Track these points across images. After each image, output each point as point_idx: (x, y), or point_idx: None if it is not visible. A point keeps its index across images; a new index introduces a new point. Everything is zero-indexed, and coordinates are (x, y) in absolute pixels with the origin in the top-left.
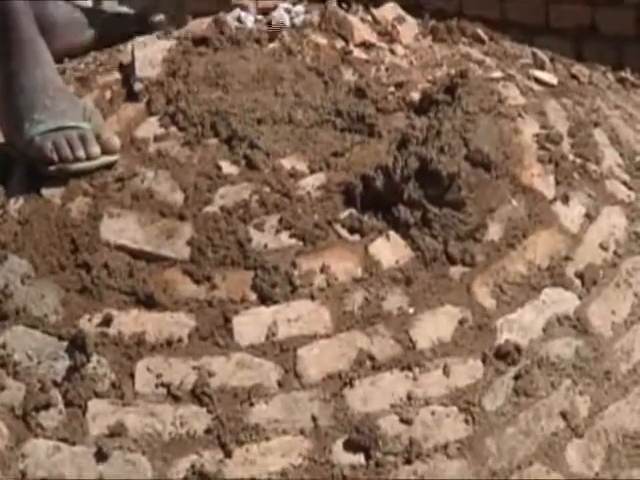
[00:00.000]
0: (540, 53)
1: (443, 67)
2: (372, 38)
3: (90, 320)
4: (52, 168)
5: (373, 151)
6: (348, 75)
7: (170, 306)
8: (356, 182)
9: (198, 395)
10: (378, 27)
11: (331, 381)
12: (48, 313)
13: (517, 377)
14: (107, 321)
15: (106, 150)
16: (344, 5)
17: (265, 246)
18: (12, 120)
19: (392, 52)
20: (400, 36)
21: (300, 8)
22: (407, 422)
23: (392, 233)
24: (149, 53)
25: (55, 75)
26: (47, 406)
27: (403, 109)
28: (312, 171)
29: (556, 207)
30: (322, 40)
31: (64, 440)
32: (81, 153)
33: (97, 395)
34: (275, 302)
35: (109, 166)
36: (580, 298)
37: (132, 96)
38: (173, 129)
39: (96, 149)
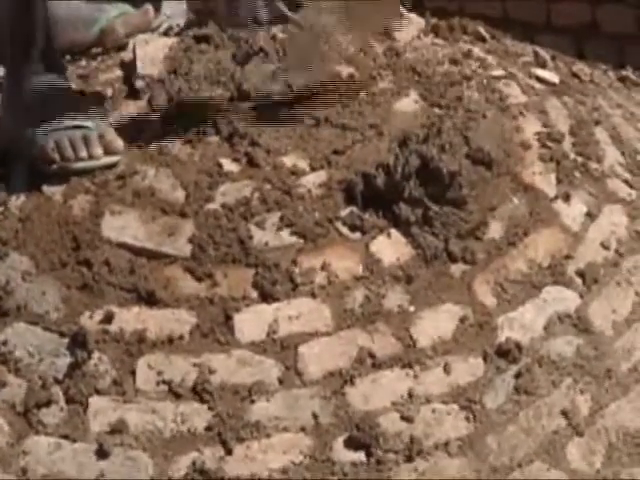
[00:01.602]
0: (541, 51)
1: (444, 65)
2: None
3: (91, 317)
4: (54, 167)
5: (374, 149)
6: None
7: (171, 303)
8: (357, 180)
9: (199, 392)
10: None
11: (332, 379)
12: (49, 310)
13: (518, 375)
14: (108, 318)
15: (109, 151)
16: None
17: (266, 244)
18: (15, 117)
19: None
20: (394, 32)
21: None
22: (408, 420)
23: (393, 231)
24: (151, 51)
25: (60, 74)
26: (48, 403)
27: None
28: (313, 169)
29: (557, 205)
30: None
31: (65, 437)
32: (83, 153)
33: (98, 392)
34: (276, 299)
35: (111, 165)
36: (581, 296)
37: (134, 93)
38: (174, 127)
39: (99, 150)
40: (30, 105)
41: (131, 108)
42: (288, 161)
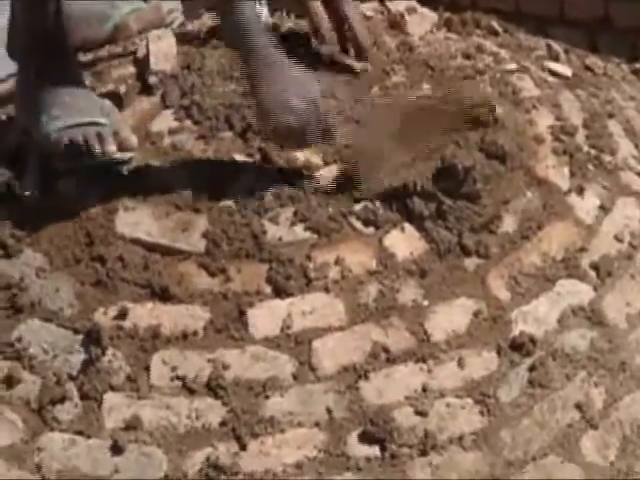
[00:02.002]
0: (554, 45)
1: (457, 59)
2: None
3: (105, 313)
4: (68, 164)
5: None
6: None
7: (185, 299)
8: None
9: (213, 388)
10: (391, 18)
11: (346, 373)
12: (63, 306)
13: (532, 369)
14: (122, 314)
15: (123, 148)
16: None
17: (280, 239)
18: (30, 113)
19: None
20: (408, 27)
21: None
22: (422, 414)
23: (407, 225)
24: (164, 46)
25: (75, 70)
26: (63, 399)
27: None
28: (326, 163)
29: (571, 199)
30: None
31: (80, 433)
32: (97, 150)
33: (112, 388)
34: (290, 295)
35: (126, 162)
36: (595, 290)
37: (147, 89)
38: (188, 122)
39: (112, 147)
40: (44, 102)
41: (144, 104)
42: (301, 156)
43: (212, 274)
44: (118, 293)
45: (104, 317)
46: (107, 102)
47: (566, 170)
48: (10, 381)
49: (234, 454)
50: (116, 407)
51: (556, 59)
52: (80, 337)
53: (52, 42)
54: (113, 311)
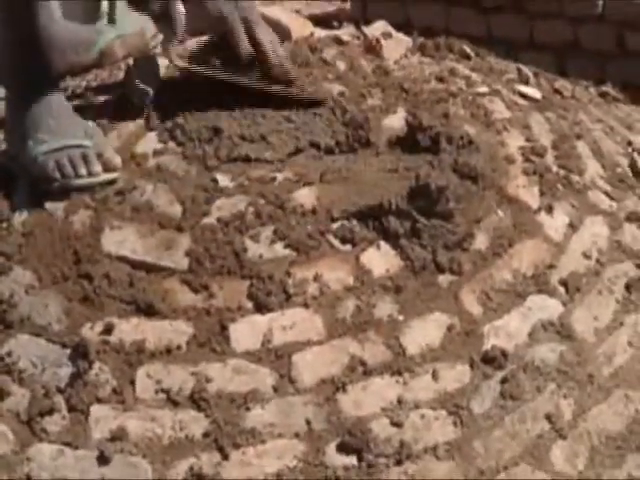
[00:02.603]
0: (525, 68)
1: (431, 82)
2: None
3: (92, 328)
4: (55, 185)
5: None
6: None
7: (169, 314)
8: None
9: (196, 400)
10: (367, 43)
11: (324, 386)
12: (52, 322)
13: (503, 381)
14: (108, 329)
15: (107, 168)
16: (336, 23)
17: (260, 256)
18: (17, 137)
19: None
20: (384, 51)
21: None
22: (398, 425)
23: (382, 243)
24: (148, 69)
25: (59, 94)
26: (51, 411)
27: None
28: (306, 183)
29: (540, 217)
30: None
31: (67, 444)
32: (83, 171)
33: (99, 401)
34: (270, 310)
35: (111, 182)
36: (564, 305)
37: (131, 112)
38: (172, 144)
39: (97, 167)
40: (29, 126)
41: (129, 126)
42: (281, 177)
43: (195, 290)
44: (104, 309)
45: (91, 332)
46: (91, 124)
47: (536, 189)
48: (0, 394)
49: (216, 464)
50: (102, 419)
51: (526, 82)
52: (68, 351)
53: (33, 66)
54: (99, 326)
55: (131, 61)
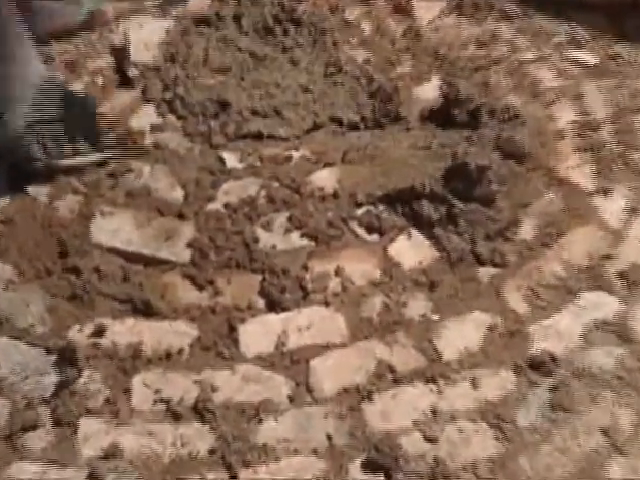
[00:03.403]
0: (578, 31)
1: (469, 47)
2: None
3: (81, 330)
4: (39, 164)
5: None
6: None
7: (169, 314)
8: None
9: (200, 412)
10: (395, 2)
11: (347, 395)
12: (34, 323)
13: (553, 389)
14: (99, 331)
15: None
16: None
17: (273, 247)
18: None
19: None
20: (415, 11)
21: None
22: (432, 440)
23: (414, 231)
24: (144, 35)
25: (38, 64)
26: (34, 426)
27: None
28: (326, 164)
29: (595, 201)
30: None
31: (53, 462)
32: (68, 148)
33: (89, 413)
34: (285, 309)
35: (102, 163)
36: (622, 302)
37: (126, 82)
38: (171, 118)
39: (85, 145)
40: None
41: (124, 98)
42: (298, 156)
43: (199, 286)
44: (95, 308)
45: (79, 335)
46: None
47: (590, 169)
48: None
49: None
50: (93, 434)
51: (579, 46)
52: (53, 357)
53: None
54: (89, 328)
55: None
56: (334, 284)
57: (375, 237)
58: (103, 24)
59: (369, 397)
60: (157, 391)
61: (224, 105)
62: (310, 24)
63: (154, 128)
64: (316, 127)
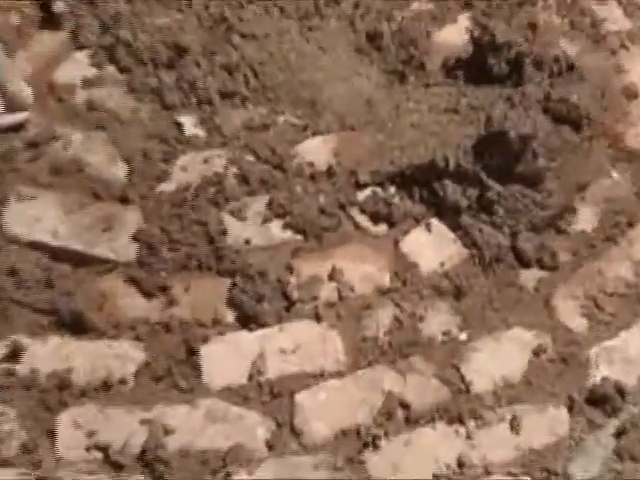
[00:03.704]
0: None
1: None
2: None
3: None
4: None
5: None
6: None
7: (108, 331)
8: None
9: (149, 462)
10: None
11: (345, 441)
12: None
13: (620, 433)
14: (15, 353)
15: (13, 106)
16: None
17: (247, 242)
18: None
19: None
20: None
21: None
22: None
23: (434, 221)
24: None
25: None
26: None
27: None
28: (316, 132)
29: None
30: None
31: None
32: None
33: (2, 462)
34: (262, 324)
35: (17, 128)
36: None
37: (51, 22)
38: (111, 69)
39: None
40: None
41: (47, 43)
42: (280, 120)
43: (148, 294)
44: (9, 322)
45: None
46: None
47: None
48: None
49: None
50: None
51: None
52: None
53: None
54: (2, 348)
55: None
56: (328, 291)
57: (383, 229)
58: None
59: (374, 444)
60: (91, 433)
61: (182, 52)
62: None
63: (87, 83)
64: None
